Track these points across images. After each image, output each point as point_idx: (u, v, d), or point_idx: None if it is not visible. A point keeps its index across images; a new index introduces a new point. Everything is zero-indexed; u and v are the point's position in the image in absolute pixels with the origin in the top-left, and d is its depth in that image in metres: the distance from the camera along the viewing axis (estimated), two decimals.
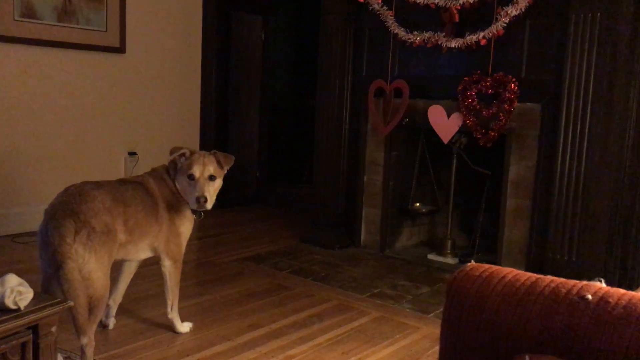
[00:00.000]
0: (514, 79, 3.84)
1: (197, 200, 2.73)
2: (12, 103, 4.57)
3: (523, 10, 3.75)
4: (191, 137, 5.87)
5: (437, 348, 2.86)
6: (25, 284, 1.80)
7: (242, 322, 3.18)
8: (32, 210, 4.44)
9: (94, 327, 2.47)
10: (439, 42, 4.12)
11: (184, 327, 3.01)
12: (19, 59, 4.57)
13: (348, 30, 4.70)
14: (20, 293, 1.74)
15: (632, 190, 3.66)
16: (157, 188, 2.82)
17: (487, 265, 1.51)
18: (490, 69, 3.96)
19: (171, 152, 2.85)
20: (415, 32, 4.23)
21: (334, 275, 4.11)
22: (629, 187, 3.66)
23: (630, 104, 3.59)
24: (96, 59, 5.02)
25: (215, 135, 5.99)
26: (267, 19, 6.56)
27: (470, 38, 3.96)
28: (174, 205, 2.85)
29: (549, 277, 1.41)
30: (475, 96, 3.99)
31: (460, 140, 4.35)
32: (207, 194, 2.74)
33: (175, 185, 2.85)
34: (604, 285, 1.36)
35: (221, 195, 2.93)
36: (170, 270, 2.92)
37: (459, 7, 4.01)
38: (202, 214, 2.91)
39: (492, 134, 3.96)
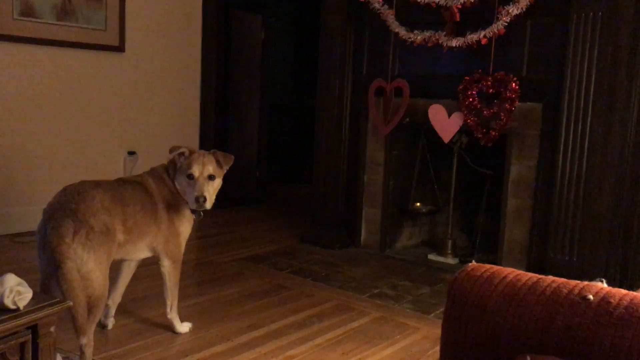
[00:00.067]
0: (515, 78, 3.83)
1: (197, 199, 2.72)
2: (11, 102, 4.56)
3: (524, 9, 3.74)
4: (191, 136, 5.86)
5: (437, 348, 2.86)
6: (25, 283, 1.79)
7: (242, 322, 3.17)
8: (31, 209, 4.43)
9: (93, 327, 2.46)
10: (440, 41, 4.11)
11: (184, 327, 3.00)
12: (18, 58, 4.56)
13: (348, 29, 4.69)
14: (19, 293, 1.74)
15: (633, 190, 3.66)
16: (156, 188, 2.82)
17: (488, 266, 1.50)
18: (491, 68, 3.95)
19: (170, 152, 2.84)
20: (416, 31, 4.22)
21: (333, 275, 4.11)
22: (630, 186, 3.66)
23: (632, 103, 3.58)
24: (95, 58, 5.02)
25: (214, 134, 5.99)
26: (267, 18, 6.56)
27: (471, 37, 3.95)
28: (173, 205, 2.84)
29: (550, 278, 1.40)
30: (476, 95, 3.99)
31: (461, 139, 4.35)
32: (206, 194, 2.73)
33: (174, 185, 2.84)
34: (605, 285, 1.35)
35: (221, 194, 2.93)
36: (169, 270, 2.91)
37: (459, 6, 4.00)
38: (202, 213, 2.90)
39: (493, 133, 3.95)
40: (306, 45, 7.69)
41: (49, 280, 2.41)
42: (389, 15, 4.35)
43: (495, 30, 3.84)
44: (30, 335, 1.77)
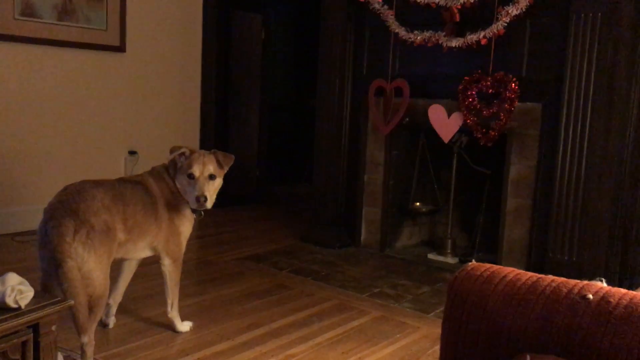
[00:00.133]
0: (514, 79, 3.84)
1: (197, 199, 2.73)
2: (12, 102, 4.57)
3: (524, 9, 3.75)
4: (191, 136, 5.87)
5: (437, 347, 2.87)
6: (26, 282, 1.80)
7: (242, 322, 3.18)
8: (32, 209, 4.43)
9: (94, 326, 2.47)
10: (440, 42, 4.11)
11: (184, 326, 3.01)
12: (19, 58, 4.56)
13: (348, 29, 4.70)
14: (20, 292, 1.74)
15: (632, 190, 3.67)
16: (156, 187, 2.82)
17: (488, 265, 1.51)
18: (490, 68, 3.95)
19: (171, 152, 2.84)
20: (416, 32, 4.22)
21: (334, 274, 4.11)
22: (629, 186, 3.67)
23: (631, 103, 3.59)
24: (96, 58, 5.02)
25: (215, 134, 5.99)
26: (267, 17, 6.56)
27: (471, 37, 3.95)
28: (174, 205, 2.85)
29: (550, 277, 1.41)
30: (475, 95, 3.99)
31: (461, 139, 4.35)
32: (207, 193, 2.74)
33: (175, 185, 2.84)
34: (604, 285, 1.36)
35: (221, 194, 2.93)
36: (170, 269, 2.92)
37: (459, 7, 4.01)
38: (202, 213, 2.91)
39: (493, 133, 3.95)
40: (306, 45, 7.69)
41: (50, 279, 2.41)
42: (389, 16, 4.35)
43: (495, 30, 3.85)
44: (32, 334, 1.78)
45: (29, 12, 4.53)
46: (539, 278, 1.40)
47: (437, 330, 2.60)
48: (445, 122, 4.20)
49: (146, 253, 2.86)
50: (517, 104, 3.86)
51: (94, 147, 5.10)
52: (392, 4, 4.36)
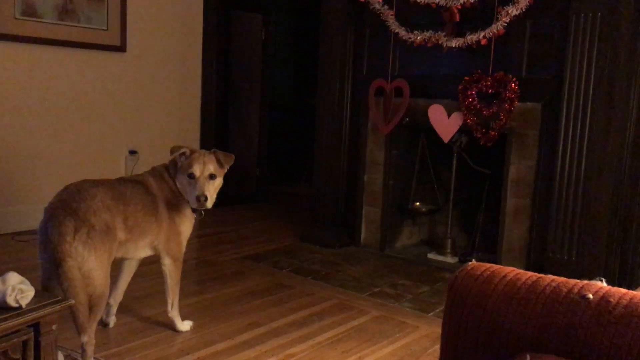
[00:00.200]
0: (514, 79, 3.84)
1: (198, 199, 2.73)
2: (13, 101, 4.57)
3: (523, 9, 3.75)
4: (191, 135, 5.87)
5: (436, 347, 2.87)
6: (27, 282, 1.80)
7: (243, 321, 3.18)
8: (33, 208, 4.44)
9: (94, 325, 2.47)
10: (440, 42, 4.12)
11: (185, 325, 3.01)
12: (20, 58, 4.57)
13: (349, 29, 4.70)
14: (21, 291, 1.75)
15: (632, 190, 3.67)
16: (157, 187, 2.83)
17: (488, 265, 1.51)
18: (490, 68, 3.96)
19: (171, 151, 2.85)
20: (416, 32, 4.23)
21: (334, 274, 4.11)
22: (629, 186, 3.67)
23: (631, 103, 3.59)
24: (97, 57, 5.02)
25: (215, 133, 5.99)
26: (268, 17, 6.57)
27: (471, 37, 3.96)
28: (174, 204, 2.85)
29: (550, 277, 1.41)
30: (475, 95, 4.00)
31: (461, 139, 4.35)
32: (207, 193, 2.74)
33: (175, 184, 2.85)
34: (604, 284, 1.36)
35: (221, 193, 2.94)
36: (170, 268, 2.92)
37: (459, 7, 4.01)
38: (203, 212, 2.91)
39: (493, 133, 3.96)
40: (306, 45, 7.68)
41: (50, 278, 2.42)
42: (389, 16, 4.36)
43: (495, 30, 3.85)
44: (33, 334, 1.78)
45: (29, 11, 4.53)
46: (539, 278, 1.40)
47: (437, 330, 2.61)
48: (445, 122, 4.20)
49: (146, 252, 2.86)
50: (516, 104, 3.86)
51: (95, 146, 5.10)
52: (392, 4, 4.36)
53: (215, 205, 2.84)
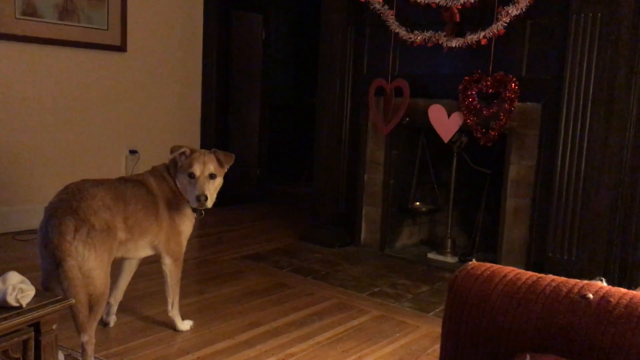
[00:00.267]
0: (514, 79, 3.84)
1: (198, 198, 2.73)
2: (13, 101, 4.57)
3: (524, 9, 3.75)
4: (192, 135, 5.87)
5: (436, 347, 2.87)
6: (27, 281, 1.80)
7: (243, 320, 3.18)
8: (33, 207, 4.44)
9: (95, 324, 2.47)
10: (440, 42, 4.12)
11: (185, 325, 3.02)
12: (20, 58, 4.57)
13: (349, 29, 4.70)
14: (22, 290, 1.75)
15: (632, 189, 3.67)
16: (157, 186, 2.83)
17: (488, 264, 1.51)
18: (490, 68, 3.96)
19: (172, 151, 2.85)
20: (416, 32, 4.23)
21: (334, 273, 4.12)
22: (629, 186, 3.67)
23: (631, 103, 3.59)
24: (97, 57, 5.02)
25: (215, 133, 6.00)
26: (268, 17, 6.57)
27: (471, 37, 3.96)
28: (175, 204, 2.85)
29: (550, 277, 1.41)
30: (475, 95, 4.00)
31: (461, 139, 4.35)
32: (207, 193, 2.74)
33: (175, 184, 2.85)
34: (604, 284, 1.36)
35: (221, 193, 2.94)
36: (170, 268, 2.92)
37: (459, 7, 4.01)
38: (203, 212, 2.91)
39: (493, 133, 3.96)
40: (306, 44, 7.69)
41: (51, 278, 2.42)
42: (389, 16, 4.36)
43: (495, 30, 3.85)
44: (33, 333, 1.78)
45: (30, 11, 4.53)
46: (539, 277, 1.40)
47: (437, 330, 2.62)
48: (445, 122, 4.20)
49: (147, 252, 2.86)
50: (516, 103, 3.86)
51: (95, 146, 5.10)
52: (392, 4, 4.36)
53: (215, 205, 2.84)
